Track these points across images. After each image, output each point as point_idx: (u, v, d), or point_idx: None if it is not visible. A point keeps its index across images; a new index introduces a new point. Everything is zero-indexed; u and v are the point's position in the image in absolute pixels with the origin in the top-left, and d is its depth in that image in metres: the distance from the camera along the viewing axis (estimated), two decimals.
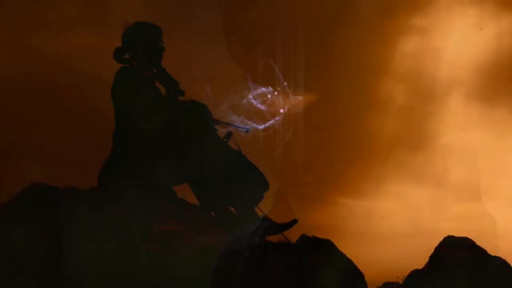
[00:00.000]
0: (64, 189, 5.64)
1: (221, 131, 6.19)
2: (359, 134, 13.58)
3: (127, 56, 6.23)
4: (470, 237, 6.55)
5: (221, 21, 13.16)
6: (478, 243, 6.53)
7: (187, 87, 6.27)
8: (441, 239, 6.39)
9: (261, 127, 11.61)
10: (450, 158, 13.72)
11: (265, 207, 6.12)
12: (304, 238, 5.99)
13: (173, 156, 5.94)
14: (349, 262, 6.02)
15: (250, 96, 11.68)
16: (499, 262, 6.20)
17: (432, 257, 6.42)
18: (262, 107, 11.58)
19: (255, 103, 11.64)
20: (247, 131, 6.26)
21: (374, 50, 13.62)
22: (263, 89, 11.75)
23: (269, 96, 12.01)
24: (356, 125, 13.44)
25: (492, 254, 6.10)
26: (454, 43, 13.76)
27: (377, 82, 13.68)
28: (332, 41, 13.52)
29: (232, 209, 6.09)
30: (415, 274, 6.46)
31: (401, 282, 6.62)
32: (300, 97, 12.80)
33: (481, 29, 13.63)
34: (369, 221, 13.41)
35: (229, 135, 6.14)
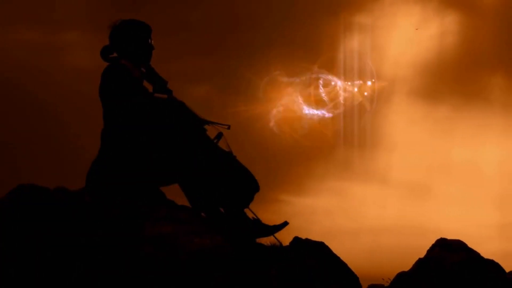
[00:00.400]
0: (54, 190, 5.25)
1: (211, 132, 5.83)
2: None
3: (115, 54, 5.87)
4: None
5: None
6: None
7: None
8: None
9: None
10: (393, 155, 13.70)
11: (256, 209, 5.87)
12: (297, 241, 5.85)
13: (162, 156, 5.57)
14: (343, 265, 5.84)
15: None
16: (493, 265, 6.10)
17: (424, 260, 6.17)
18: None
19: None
20: (228, 127, 5.83)
21: (318, 47, 13.49)
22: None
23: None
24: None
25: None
26: (398, 41, 13.75)
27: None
28: (277, 39, 13.35)
29: (222, 210, 5.73)
30: (403, 277, 6.24)
31: (386, 284, 6.37)
32: None
33: (417, 29, 13.64)
34: (313, 218, 13.31)
35: (219, 135, 5.80)
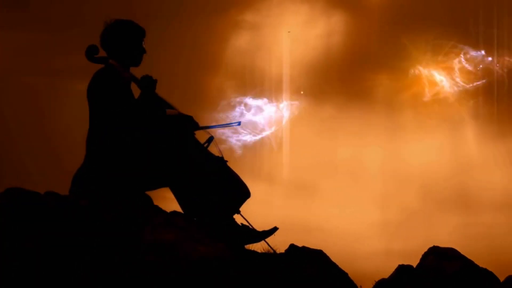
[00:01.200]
0: (45, 194, 4.80)
1: (202, 136, 5.61)
2: None
3: (102, 54, 5.53)
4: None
5: None
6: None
7: None
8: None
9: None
10: (280, 154, 13.47)
11: (248, 215, 5.69)
12: (293, 248, 5.53)
13: (151, 159, 5.29)
14: (344, 274, 5.45)
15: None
16: (487, 274, 5.79)
17: (418, 268, 5.83)
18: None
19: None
20: (239, 124, 5.80)
21: (207, 46, 13.14)
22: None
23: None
24: None
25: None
26: (285, 40, 13.51)
27: (208, 77, 13.18)
28: (165, 37, 12.81)
29: (213, 215, 5.39)
30: (384, 285, 5.84)
31: None
32: None
33: (289, 31, 13.48)
34: None
35: (209, 140, 5.55)
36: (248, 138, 13.20)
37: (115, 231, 4.59)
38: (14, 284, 4.11)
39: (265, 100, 13.35)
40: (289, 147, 13.39)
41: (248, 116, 13.34)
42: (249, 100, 13.29)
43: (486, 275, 5.77)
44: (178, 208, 5.41)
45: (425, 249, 5.84)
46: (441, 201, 13.29)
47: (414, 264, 5.89)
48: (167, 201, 5.52)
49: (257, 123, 13.32)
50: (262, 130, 13.34)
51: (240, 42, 13.24)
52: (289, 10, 13.37)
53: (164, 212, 5.26)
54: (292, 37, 13.24)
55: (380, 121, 13.53)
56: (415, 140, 13.50)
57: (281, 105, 13.40)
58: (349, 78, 13.58)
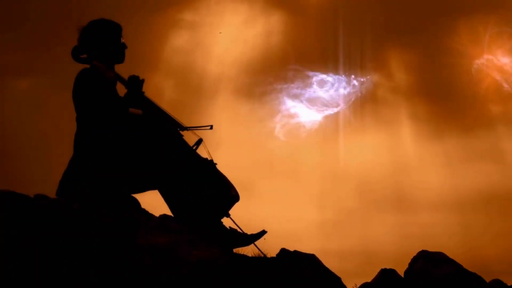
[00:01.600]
0: (35, 197, 4.60)
1: (191, 138, 5.46)
2: None
3: (85, 55, 5.44)
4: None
5: None
6: None
7: None
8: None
9: None
10: (218, 153, 13.16)
11: (237, 218, 5.55)
12: (285, 252, 5.35)
13: (140, 161, 5.15)
14: (337, 279, 5.26)
15: None
16: (475, 277, 5.73)
17: (408, 272, 5.74)
18: None
19: None
20: (211, 128, 5.55)
21: (145, 44, 12.84)
22: None
23: None
24: None
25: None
26: (224, 39, 13.31)
27: (147, 75, 12.77)
28: None
29: (201, 218, 5.26)
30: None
31: None
32: None
33: (220, 33, 13.30)
34: None
35: (199, 142, 5.45)
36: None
37: (112, 233, 4.43)
38: (13, 284, 3.97)
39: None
40: (227, 145, 13.17)
41: None
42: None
43: (474, 278, 5.71)
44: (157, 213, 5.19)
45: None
46: (378, 200, 13.26)
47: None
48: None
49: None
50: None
51: (179, 41, 13.02)
52: (228, 9, 13.19)
53: (153, 215, 5.09)
54: (231, 36, 13.03)
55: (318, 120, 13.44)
56: (352, 140, 13.45)
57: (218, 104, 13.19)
58: (288, 77, 13.44)
